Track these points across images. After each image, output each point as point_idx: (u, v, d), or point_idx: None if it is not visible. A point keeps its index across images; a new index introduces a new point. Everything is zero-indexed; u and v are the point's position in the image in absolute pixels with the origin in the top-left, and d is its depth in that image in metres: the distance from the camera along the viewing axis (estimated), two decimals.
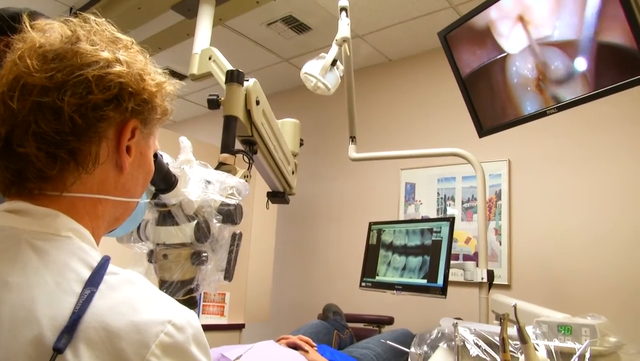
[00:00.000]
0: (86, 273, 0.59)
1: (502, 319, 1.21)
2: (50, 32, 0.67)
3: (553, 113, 1.92)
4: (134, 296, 0.60)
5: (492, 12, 2.00)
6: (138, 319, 0.57)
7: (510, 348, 1.22)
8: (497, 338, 1.25)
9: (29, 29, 0.67)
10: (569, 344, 1.34)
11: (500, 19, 1.99)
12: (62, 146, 0.63)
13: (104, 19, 0.72)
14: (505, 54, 2.02)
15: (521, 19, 1.92)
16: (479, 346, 1.35)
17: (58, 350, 0.52)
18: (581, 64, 1.77)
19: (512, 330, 1.25)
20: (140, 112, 0.70)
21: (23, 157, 0.62)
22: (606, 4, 1.64)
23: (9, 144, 0.63)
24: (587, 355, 1.26)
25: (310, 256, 4.04)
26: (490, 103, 2.20)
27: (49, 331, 0.53)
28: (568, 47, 1.80)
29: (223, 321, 3.39)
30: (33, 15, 1.08)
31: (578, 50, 1.78)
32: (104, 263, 0.61)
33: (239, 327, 3.45)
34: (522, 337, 1.19)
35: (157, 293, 0.63)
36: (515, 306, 1.22)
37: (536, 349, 1.26)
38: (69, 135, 0.63)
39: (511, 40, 1.98)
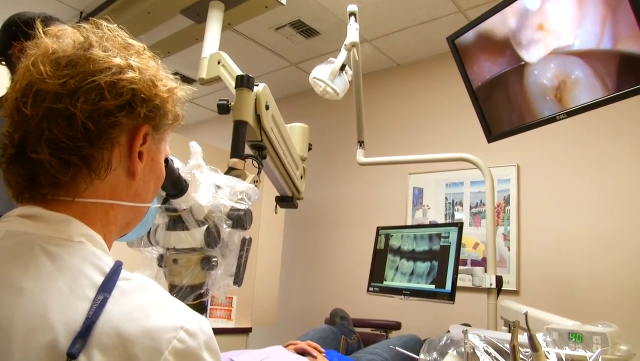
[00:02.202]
0: (99, 279, 0.59)
1: (512, 326, 1.20)
2: (63, 38, 0.67)
3: (563, 118, 1.91)
4: (146, 302, 0.60)
5: (511, 20, 1.97)
6: (151, 325, 0.57)
7: (521, 356, 1.21)
8: (507, 346, 1.24)
9: (42, 34, 0.68)
10: (580, 352, 1.33)
11: (520, 28, 1.96)
12: (74, 152, 0.63)
13: (115, 25, 0.72)
14: (523, 63, 1.99)
15: (541, 27, 1.90)
16: (489, 354, 1.34)
17: (72, 356, 0.52)
18: (602, 73, 1.75)
19: (522, 338, 1.24)
20: (152, 118, 0.70)
21: (36, 163, 0.63)
22: (624, 12, 1.62)
23: (22, 150, 0.63)
24: None
25: (318, 260, 4.04)
26: (500, 109, 2.19)
27: (63, 337, 0.54)
28: (589, 57, 1.77)
29: (230, 325, 3.39)
30: (47, 21, 1.09)
31: (599, 59, 1.75)
32: (117, 268, 0.61)
33: (245, 331, 3.45)
34: (533, 345, 1.18)
35: (169, 299, 0.63)
36: (526, 314, 1.21)
37: (547, 357, 1.25)
38: (82, 141, 0.63)
39: (530, 49, 1.95)
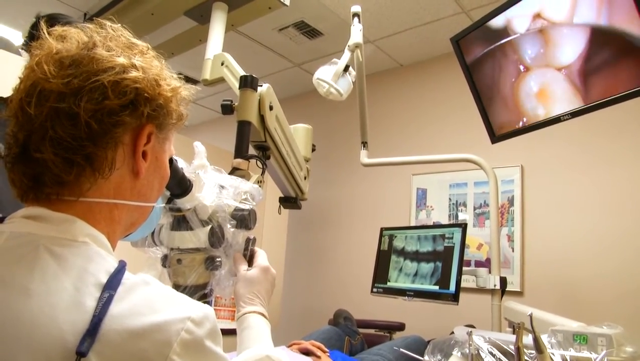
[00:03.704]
0: (104, 278, 0.60)
1: (517, 328, 1.20)
2: (67, 38, 0.68)
3: (567, 119, 1.90)
4: (151, 297, 0.61)
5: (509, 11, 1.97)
6: (158, 318, 0.58)
7: (526, 358, 1.20)
8: (512, 347, 1.24)
9: (46, 35, 0.68)
10: (585, 354, 1.32)
11: (517, 17, 1.96)
12: (78, 151, 0.63)
13: (119, 25, 0.73)
14: (520, 52, 1.98)
15: (538, 15, 1.89)
16: (494, 355, 1.34)
17: (81, 354, 0.52)
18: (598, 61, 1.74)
19: (526, 339, 1.23)
20: (156, 117, 0.70)
21: (40, 162, 0.63)
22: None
23: (26, 149, 0.64)
24: None
25: (321, 261, 4.03)
26: (503, 107, 2.18)
27: (71, 336, 0.54)
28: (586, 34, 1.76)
29: (234, 326, 3.38)
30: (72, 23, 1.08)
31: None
32: (121, 268, 0.62)
33: None
34: (538, 347, 1.17)
35: (172, 292, 0.64)
36: (531, 316, 1.21)
37: (552, 359, 1.25)
38: (85, 140, 0.63)
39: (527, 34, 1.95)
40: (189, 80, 0.78)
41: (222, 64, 1.82)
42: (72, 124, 0.62)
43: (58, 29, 0.69)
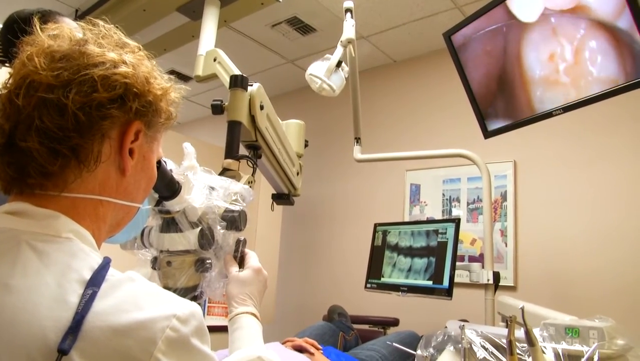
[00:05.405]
0: (87, 274, 0.59)
1: (509, 321, 1.21)
2: (59, 35, 0.68)
3: (559, 114, 1.91)
4: (136, 294, 0.60)
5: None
6: (143, 316, 0.57)
7: (518, 351, 1.21)
8: (504, 341, 1.24)
9: (39, 31, 0.68)
10: (576, 347, 1.33)
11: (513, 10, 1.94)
12: (64, 142, 0.63)
13: (112, 25, 0.73)
14: (521, 53, 1.98)
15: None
16: (486, 349, 1.34)
17: (63, 352, 0.52)
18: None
19: (519, 333, 1.24)
20: (145, 114, 0.70)
21: (25, 152, 0.63)
22: None
23: (12, 140, 0.64)
24: (596, 358, 1.25)
25: (315, 257, 4.04)
26: (497, 103, 2.18)
27: (53, 333, 0.53)
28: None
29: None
30: (47, 15, 1.07)
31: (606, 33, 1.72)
32: (106, 264, 0.61)
33: None
34: (530, 340, 1.18)
35: (157, 289, 0.63)
36: (522, 309, 1.22)
37: (544, 352, 1.25)
38: (72, 131, 0.63)
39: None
40: (181, 76, 0.78)
41: (215, 60, 1.81)
42: (59, 115, 0.62)
43: (50, 26, 0.69)
